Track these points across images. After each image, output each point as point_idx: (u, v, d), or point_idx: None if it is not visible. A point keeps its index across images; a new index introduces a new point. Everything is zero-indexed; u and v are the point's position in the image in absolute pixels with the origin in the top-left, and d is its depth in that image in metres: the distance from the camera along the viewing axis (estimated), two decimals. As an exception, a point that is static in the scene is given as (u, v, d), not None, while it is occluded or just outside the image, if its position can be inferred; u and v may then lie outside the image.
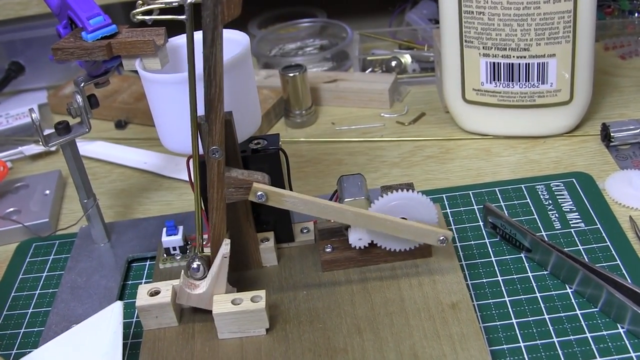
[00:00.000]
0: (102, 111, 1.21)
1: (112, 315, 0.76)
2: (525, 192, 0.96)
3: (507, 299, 0.81)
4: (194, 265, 0.79)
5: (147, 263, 0.95)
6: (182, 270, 0.80)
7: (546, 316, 0.78)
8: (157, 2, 0.73)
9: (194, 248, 0.83)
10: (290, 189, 0.86)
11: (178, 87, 0.77)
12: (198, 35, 0.86)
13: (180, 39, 0.86)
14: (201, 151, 0.76)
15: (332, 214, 0.79)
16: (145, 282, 0.91)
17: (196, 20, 0.72)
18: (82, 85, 0.86)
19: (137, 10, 0.73)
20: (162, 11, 0.74)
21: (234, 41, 0.84)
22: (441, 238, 0.79)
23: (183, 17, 0.72)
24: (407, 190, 0.79)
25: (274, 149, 0.82)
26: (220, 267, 0.77)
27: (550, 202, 0.94)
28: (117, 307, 0.77)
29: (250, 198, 0.77)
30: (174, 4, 0.73)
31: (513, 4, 0.97)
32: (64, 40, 0.81)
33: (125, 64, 0.82)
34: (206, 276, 0.79)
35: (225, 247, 0.77)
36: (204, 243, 0.87)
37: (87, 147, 1.19)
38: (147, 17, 0.74)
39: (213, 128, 0.73)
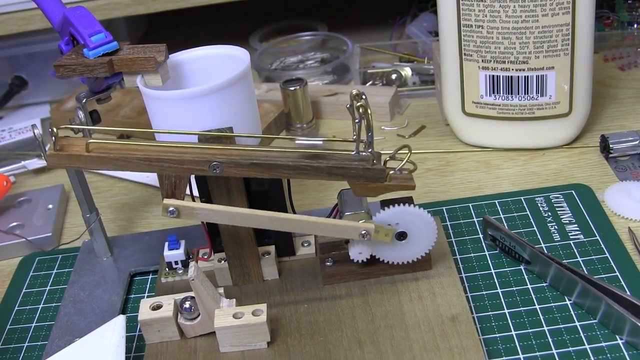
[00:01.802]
0: (104, 125, 1.21)
1: (114, 329, 0.77)
2: (524, 205, 0.97)
3: (506, 311, 0.81)
4: (186, 305, 0.79)
5: (150, 277, 0.95)
6: (177, 310, 0.81)
7: (545, 328, 0.79)
8: (369, 110, 0.75)
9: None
10: (291, 203, 0.87)
11: (179, 103, 0.78)
12: (202, 51, 0.87)
13: (182, 55, 0.87)
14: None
15: (247, 220, 0.79)
16: (148, 296, 0.92)
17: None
18: (84, 101, 0.87)
19: (356, 98, 0.75)
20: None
21: (235, 57, 0.84)
22: (363, 232, 0.79)
23: (364, 153, 0.78)
24: (406, 204, 0.79)
25: (274, 164, 0.83)
26: (197, 290, 0.78)
27: (549, 214, 0.95)
28: (119, 321, 0.77)
29: (161, 214, 0.79)
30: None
31: (512, 17, 0.98)
32: (66, 57, 0.82)
33: (126, 81, 0.83)
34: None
35: (191, 269, 0.77)
36: (206, 257, 0.88)
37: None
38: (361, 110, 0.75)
39: (244, 170, 0.76)
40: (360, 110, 0.74)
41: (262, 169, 0.76)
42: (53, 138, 0.77)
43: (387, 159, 0.78)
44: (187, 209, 0.78)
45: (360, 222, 0.80)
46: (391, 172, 0.77)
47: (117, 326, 0.77)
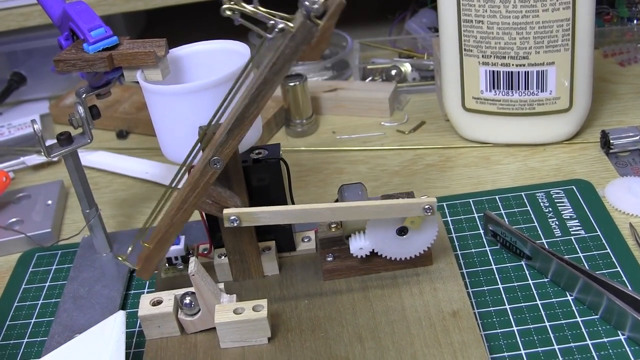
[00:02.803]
0: (103, 121, 1.21)
1: (114, 325, 0.76)
2: (525, 200, 0.97)
3: (507, 306, 0.81)
4: (186, 301, 0.79)
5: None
6: (178, 305, 0.81)
7: (547, 323, 0.79)
8: (248, 7, 0.72)
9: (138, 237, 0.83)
10: (292, 199, 0.87)
11: (179, 98, 0.78)
12: (202, 46, 0.87)
13: (182, 50, 0.87)
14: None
15: (309, 216, 0.79)
16: (148, 292, 0.91)
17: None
18: (83, 96, 0.86)
19: (226, 6, 0.72)
20: (245, 17, 0.73)
21: (236, 52, 0.84)
22: (426, 207, 0.78)
23: (270, 35, 0.72)
24: (407, 198, 0.79)
25: (274, 159, 0.83)
26: (197, 285, 0.78)
27: (550, 209, 0.94)
28: (119, 316, 0.77)
29: (225, 225, 0.78)
30: (269, 22, 0.72)
31: (512, 12, 0.98)
32: (66, 52, 0.82)
33: (126, 75, 0.82)
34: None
35: (191, 265, 0.77)
36: (206, 253, 0.88)
37: (88, 157, 1.19)
38: (233, 15, 0.72)
39: (229, 142, 0.74)
40: (229, 12, 0.72)
41: (238, 128, 0.74)
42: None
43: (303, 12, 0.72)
44: (248, 215, 0.78)
45: (422, 197, 0.79)
46: (315, 13, 0.71)
47: (117, 322, 0.77)
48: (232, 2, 0.71)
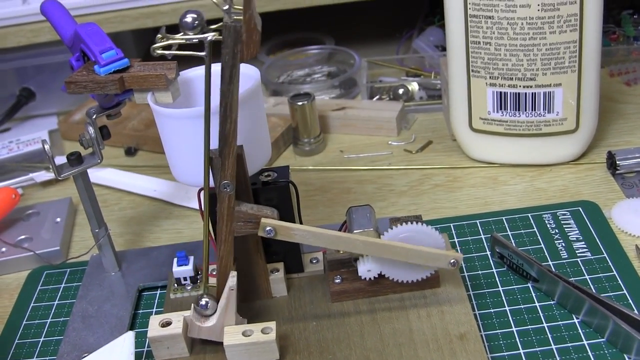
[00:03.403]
0: (112, 138, 1.21)
1: (123, 345, 0.77)
2: (532, 221, 0.97)
3: (514, 329, 0.82)
4: (202, 302, 0.80)
5: (158, 292, 0.95)
6: (192, 304, 0.80)
7: (553, 346, 0.79)
8: (177, 37, 0.74)
9: (203, 286, 0.84)
10: (300, 222, 0.87)
11: (190, 122, 0.78)
12: (214, 67, 0.87)
13: (192, 72, 0.87)
14: (212, 184, 0.77)
15: (342, 244, 0.80)
16: (156, 312, 0.92)
17: (214, 55, 0.72)
18: (94, 117, 0.87)
19: (157, 45, 0.74)
20: (181, 47, 0.75)
21: (246, 75, 0.84)
22: (452, 261, 0.80)
23: (202, 53, 0.73)
24: (416, 222, 0.80)
25: (284, 182, 0.83)
26: (229, 299, 0.78)
27: (556, 231, 0.95)
28: (128, 337, 0.77)
29: (259, 233, 0.79)
30: (193, 40, 0.73)
31: (519, 34, 0.98)
32: (77, 74, 0.83)
33: (137, 97, 0.83)
34: (215, 311, 0.80)
35: (232, 279, 0.78)
36: (214, 274, 0.88)
37: (97, 174, 1.19)
38: (166, 52, 0.74)
39: (226, 163, 0.75)
40: (160, 51, 0.74)
41: (226, 145, 0.75)
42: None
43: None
44: (285, 229, 0.79)
45: (449, 251, 0.81)
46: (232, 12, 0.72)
47: (126, 342, 0.77)
48: (163, 40, 0.73)
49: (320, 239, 0.79)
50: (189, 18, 0.72)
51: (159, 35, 0.74)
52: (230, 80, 0.72)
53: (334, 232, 0.80)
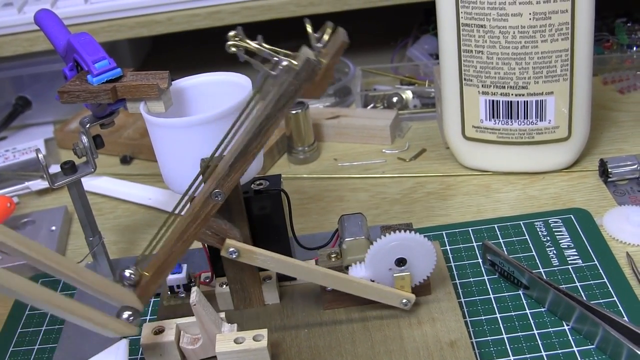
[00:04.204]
0: (107, 146, 1.21)
1: (117, 353, 0.77)
2: (523, 229, 0.98)
3: (505, 336, 0.82)
4: (126, 273, 0.79)
5: (152, 300, 0.96)
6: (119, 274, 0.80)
7: (543, 353, 0.79)
8: (252, 44, 0.73)
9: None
10: (292, 230, 0.88)
11: (181, 131, 0.79)
12: (205, 78, 0.88)
13: (185, 82, 0.88)
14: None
15: (302, 273, 0.81)
16: (150, 320, 0.93)
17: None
18: (87, 126, 0.87)
19: (231, 42, 0.73)
20: (249, 53, 0.74)
21: (238, 84, 0.85)
22: (404, 301, 0.82)
23: (274, 72, 0.73)
24: (406, 231, 0.80)
25: (275, 190, 0.84)
26: (198, 315, 0.79)
27: (548, 238, 0.95)
28: (122, 345, 0.78)
29: (222, 254, 0.80)
30: (264, 52, 0.74)
31: (511, 43, 0.99)
32: (70, 84, 0.83)
33: (129, 107, 0.84)
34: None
35: (193, 295, 0.78)
36: (208, 281, 0.89)
37: (92, 183, 1.20)
38: (237, 51, 0.74)
39: (232, 175, 0.75)
40: (234, 49, 0.73)
41: (242, 159, 0.75)
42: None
43: (312, 49, 0.74)
44: (248, 252, 0.80)
45: (403, 292, 0.82)
46: (319, 51, 0.74)
47: (119, 350, 0.77)
48: (237, 39, 0.73)
49: (281, 265, 0.80)
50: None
51: (233, 33, 0.73)
52: (282, 107, 0.73)
53: (295, 260, 0.81)
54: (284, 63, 0.72)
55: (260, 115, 0.73)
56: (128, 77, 0.83)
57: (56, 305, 0.69)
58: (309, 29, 0.73)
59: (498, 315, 0.85)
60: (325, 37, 0.73)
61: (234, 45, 0.73)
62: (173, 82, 0.85)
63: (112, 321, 0.73)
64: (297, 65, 0.72)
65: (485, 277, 0.91)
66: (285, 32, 1.62)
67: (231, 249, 0.79)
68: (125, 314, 0.74)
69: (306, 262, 0.81)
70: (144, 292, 0.78)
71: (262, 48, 0.73)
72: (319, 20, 1.34)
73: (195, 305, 0.77)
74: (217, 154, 0.77)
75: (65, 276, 0.70)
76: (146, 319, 0.93)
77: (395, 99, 1.31)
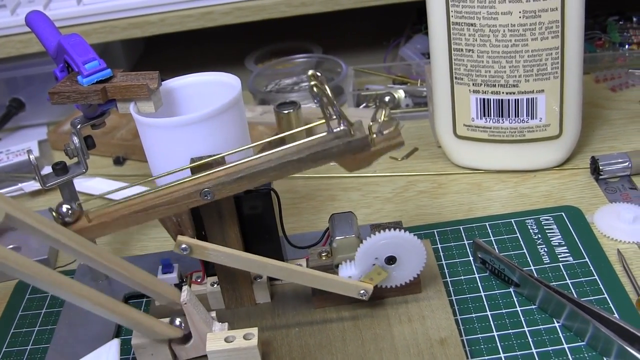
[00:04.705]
0: (100, 147, 1.22)
1: (109, 353, 0.77)
2: (515, 227, 0.98)
3: (495, 333, 0.82)
4: (176, 322, 0.80)
5: (144, 300, 0.96)
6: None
7: (534, 350, 0.80)
8: (326, 90, 0.74)
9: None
10: (282, 228, 0.88)
11: (171, 131, 0.79)
12: (195, 78, 0.88)
13: (175, 82, 0.88)
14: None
15: (255, 267, 0.81)
16: (142, 319, 0.93)
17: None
18: (78, 127, 0.88)
19: (313, 83, 0.73)
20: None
21: (227, 84, 0.86)
22: (362, 292, 0.82)
23: (332, 129, 0.75)
24: (396, 229, 0.80)
25: (265, 190, 0.84)
26: (189, 314, 0.79)
27: (539, 236, 0.95)
28: (114, 345, 0.78)
29: (174, 249, 0.80)
30: (334, 116, 0.75)
31: (501, 41, 0.99)
32: (61, 84, 0.83)
33: (120, 107, 0.84)
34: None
35: (183, 294, 0.78)
36: (199, 281, 0.89)
37: (85, 184, 1.20)
38: (312, 92, 0.74)
39: (232, 187, 0.76)
40: (316, 90, 0.73)
41: (248, 180, 0.76)
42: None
43: (370, 124, 0.77)
44: (200, 248, 0.80)
45: (360, 282, 0.82)
46: (374, 136, 0.76)
47: (111, 350, 0.78)
48: (318, 82, 0.73)
49: (234, 260, 0.80)
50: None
51: (313, 73, 0.73)
52: (315, 161, 0.76)
53: (247, 254, 0.81)
54: (342, 127, 0.75)
55: (290, 155, 0.76)
56: (118, 77, 0.83)
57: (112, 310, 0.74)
58: (385, 113, 0.77)
59: (489, 313, 0.85)
60: (391, 129, 0.77)
61: (316, 87, 0.73)
62: (163, 83, 0.85)
63: (163, 326, 0.79)
64: (353, 135, 0.74)
65: (476, 275, 0.91)
66: (277, 32, 1.63)
67: (183, 245, 0.79)
68: (177, 321, 0.79)
69: (259, 257, 0.81)
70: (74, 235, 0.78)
71: (334, 102, 0.74)
72: (311, 20, 1.35)
73: (186, 304, 0.78)
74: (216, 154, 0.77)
75: (116, 273, 0.76)
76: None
77: (387, 99, 1.30)
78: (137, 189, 1.15)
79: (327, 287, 0.82)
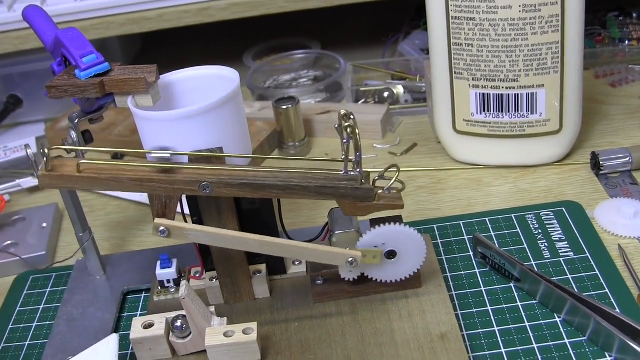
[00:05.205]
0: (98, 144, 1.21)
1: (107, 348, 0.77)
2: (515, 222, 0.97)
3: (496, 328, 0.82)
4: (177, 324, 0.80)
5: (143, 295, 0.96)
6: (169, 328, 0.81)
7: (535, 345, 0.79)
8: (358, 133, 0.75)
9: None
10: (282, 224, 0.87)
11: (169, 124, 0.79)
12: (193, 72, 0.88)
13: (173, 76, 0.87)
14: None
15: (236, 243, 0.80)
16: (141, 315, 0.92)
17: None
18: (76, 121, 0.87)
19: (347, 124, 0.75)
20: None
21: (225, 78, 0.85)
22: (350, 259, 0.80)
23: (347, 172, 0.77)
24: (396, 223, 0.80)
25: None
26: (188, 309, 0.78)
27: (540, 231, 0.95)
28: (112, 339, 0.78)
29: (153, 234, 0.79)
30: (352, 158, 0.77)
31: (501, 35, 0.99)
32: (58, 78, 0.83)
33: (118, 101, 0.83)
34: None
35: (182, 289, 0.78)
36: (198, 276, 0.89)
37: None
38: (343, 130, 0.75)
39: (233, 190, 0.77)
40: (349, 131, 0.74)
41: (251, 189, 0.76)
42: (45, 158, 0.78)
43: (376, 178, 0.78)
44: (178, 230, 0.79)
45: (347, 249, 0.81)
46: (380, 191, 0.78)
47: (110, 345, 0.77)
48: (350, 123, 0.75)
49: (214, 238, 0.80)
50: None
51: (345, 114, 0.75)
52: (319, 193, 0.78)
53: (227, 231, 0.80)
54: (355, 173, 0.77)
55: (298, 179, 0.77)
56: (116, 71, 0.82)
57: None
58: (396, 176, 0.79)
59: (489, 308, 0.85)
60: (394, 191, 0.79)
61: (350, 128, 0.75)
62: (161, 77, 0.84)
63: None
64: (359, 183, 0.76)
65: (477, 270, 0.91)
66: (275, 28, 1.62)
67: (161, 228, 0.79)
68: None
69: (240, 233, 0.80)
70: (55, 181, 0.80)
71: (360, 148, 0.76)
72: (310, 16, 1.34)
73: (184, 299, 0.77)
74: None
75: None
76: (137, 314, 0.93)
77: (386, 94, 1.30)
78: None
79: (314, 258, 0.81)
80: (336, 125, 0.76)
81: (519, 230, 0.96)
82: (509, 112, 1.04)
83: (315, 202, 1.08)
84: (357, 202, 0.77)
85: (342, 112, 0.75)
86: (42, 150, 0.79)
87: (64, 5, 1.34)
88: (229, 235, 0.79)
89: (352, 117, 0.75)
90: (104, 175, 0.78)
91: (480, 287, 0.88)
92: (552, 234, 0.94)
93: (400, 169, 1.03)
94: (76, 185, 0.80)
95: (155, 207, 0.80)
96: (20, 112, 1.45)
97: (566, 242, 0.93)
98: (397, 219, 0.81)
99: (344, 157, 0.76)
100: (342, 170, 0.77)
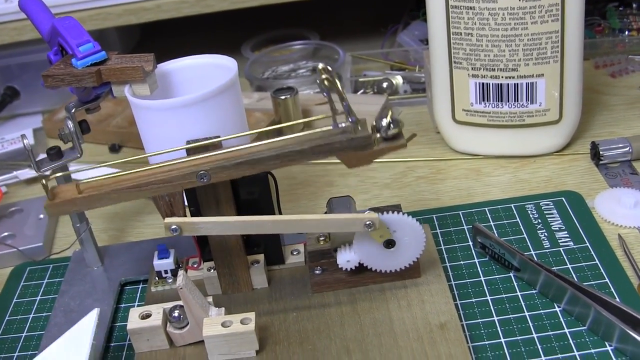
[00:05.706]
0: (96, 135, 1.21)
1: (89, 319, 0.78)
2: (514, 212, 0.97)
3: (495, 318, 0.82)
4: (175, 314, 0.79)
5: (140, 286, 0.95)
6: (167, 318, 0.81)
7: (534, 335, 0.79)
8: (338, 87, 0.74)
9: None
10: (280, 212, 0.87)
11: (166, 113, 0.79)
12: (191, 60, 0.87)
13: (170, 65, 0.87)
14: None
15: (249, 227, 0.79)
16: (138, 305, 0.92)
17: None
18: (72, 111, 0.87)
19: (325, 76, 0.73)
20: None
21: (223, 67, 0.85)
22: (367, 222, 0.79)
23: (338, 124, 0.76)
24: (394, 212, 0.79)
25: (263, 173, 0.83)
26: (185, 299, 0.78)
27: (539, 221, 0.95)
28: (92, 313, 0.78)
29: (165, 234, 0.78)
30: (340, 110, 0.75)
31: (501, 24, 0.98)
32: (55, 67, 0.82)
33: (115, 90, 0.83)
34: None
35: (179, 279, 0.77)
36: (195, 266, 0.88)
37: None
38: (322, 86, 0.74)
39: (230, 172, 0.76)
40: (327, 84, 0.73)
41: (249, 166, 0.75)
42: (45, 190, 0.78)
43: (373, 123, 0.76)
44: (189, 225, 0.78)
45: (367, 212, 0.80)
46: (377, 135, 0.76)
47: (90, 316, 0.78)
48: (329, 76, 0.73)
49: (226, 226, 0.79)
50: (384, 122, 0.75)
51: (323, 67, 0.73)
52: (316, 154, 0.76)
53: (238, 217, 0.79)
54: (348, 123, 0.74)
55: (292, 145, 0.75)
56: (113, 60, 0.82)
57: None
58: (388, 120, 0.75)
59: (489, 298, 0.84)
60: (394, 130, 0.75)
61: (327, 80, 0.73)
62: (159, 66, 0.84)
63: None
64: (355, 132, 0.74)
65: (476, 260, 0.90)
66: (273, 19, 1.62)
67: (173, 227, 0.78)
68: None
69: (253, 217, 0.79)
70: (60, 207, 0.79)
71: (345, 97, 0.74)
72: (308, 7, 1.34)
73: (181, 289, 0.77)
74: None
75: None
76: (134, 305, 0.93)
77: (385, 85, 1.30)
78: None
79: (330, 228, 0.80)
80: (317, 81, 0.74)
81: (518, 220, 0.95)
82: (508, 101, 1.03)
83: (313, 192, 1.08)
84: (356, 152, 0.76)
85: (320, 66, 0.73)
86: (41, 183, 0.79)
87: (61, -5, 1.33)
88: (241, 220, 0.78)
89: (329, 68, 0.73)
90: (104, 189, 0.78)
91: (480, 277, 0.87)
92: (551, 224, 0.94)
93: (400, 159, 1.03)
94: (81, 206, 0.80)
95: (162, 209, 0.79)
96: (18, 104, 1.45)
97: (566, 232, 0.92)
98: (396, 208, 0.81)
99: (331, 111, 0.75)
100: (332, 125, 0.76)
